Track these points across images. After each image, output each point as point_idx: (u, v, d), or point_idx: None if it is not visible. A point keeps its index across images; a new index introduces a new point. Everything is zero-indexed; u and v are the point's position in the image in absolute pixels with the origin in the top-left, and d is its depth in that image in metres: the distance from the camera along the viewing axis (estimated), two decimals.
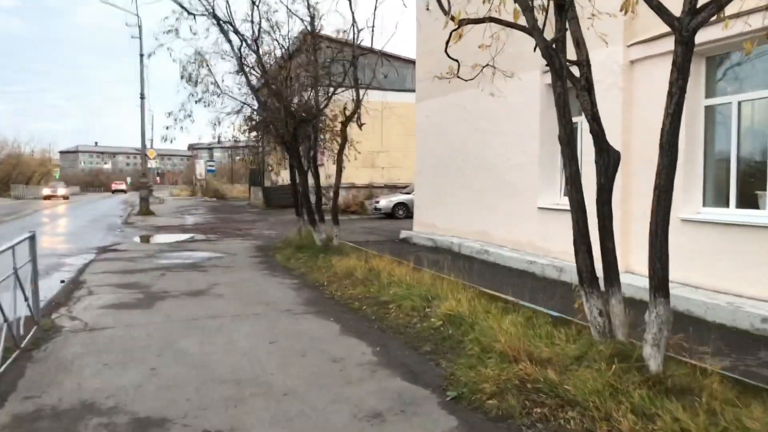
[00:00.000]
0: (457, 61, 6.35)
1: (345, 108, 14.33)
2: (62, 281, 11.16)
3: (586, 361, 4.67)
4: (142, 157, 34.34)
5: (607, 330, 4.94)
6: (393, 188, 31.89)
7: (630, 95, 9.69)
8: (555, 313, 6.79)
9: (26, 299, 6.48)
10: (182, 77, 14.22)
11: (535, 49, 5.06)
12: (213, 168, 64.99)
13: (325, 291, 9.58)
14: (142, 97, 30.72)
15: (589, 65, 4.91)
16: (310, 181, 14.05)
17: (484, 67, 6.33)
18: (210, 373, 5.55)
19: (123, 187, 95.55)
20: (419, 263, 11.06)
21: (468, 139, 14.40)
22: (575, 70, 5.00)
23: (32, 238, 6.87)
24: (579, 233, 5.02)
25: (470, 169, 14.36)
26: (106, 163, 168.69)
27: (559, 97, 4.87)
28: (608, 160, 4.82)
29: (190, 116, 14.41)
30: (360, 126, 12.23)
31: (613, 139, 5.45)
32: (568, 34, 5.09)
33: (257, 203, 39.28)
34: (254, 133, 20.08)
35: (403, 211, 27.28)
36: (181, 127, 14.75)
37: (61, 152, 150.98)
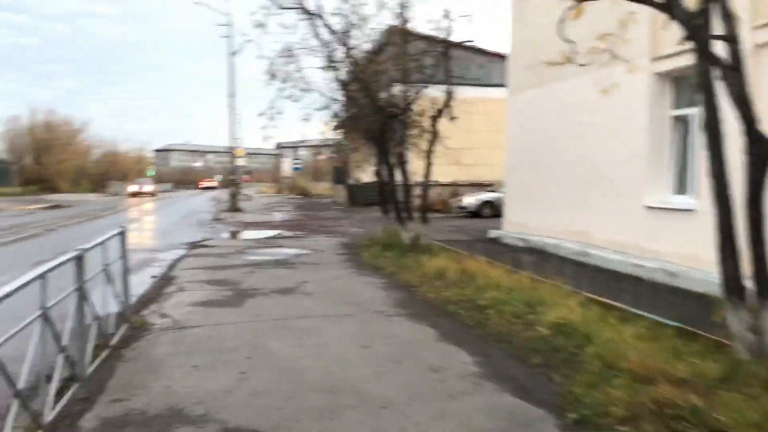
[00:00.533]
0: (572, 42, 5.73)
1: (434, 102, 13.86)
2: (153, 277, 11.23)
3: (735, 384, 3.99)
4: (231, 154, 35.02)
5: (758, 348, 4.24)
6: (478, 186, 31.10)
7: (758, 82, 8.71)
8: (679, 325, 6.05)
9: (117, 296, 6.34)
10: (269, 74, 14.11)
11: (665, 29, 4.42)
12: (299, 166, 65.89)
13: (416, 292, 9.12)
14: (231, 95, 31.30)
15: (738, 41, 4.21)
16: (394, 178, 13.65)
17: (601, 51, 5.69)
18: (301, 380, 5.20)
19: (213, 184, 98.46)
20: (514, 265, 10.44)
21: (565, 132, 13.59)
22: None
23: (122, 234, 6.75)
24: (724, 236, 4.34)
25: (567, 164, 13.54)
26: (197, 161, 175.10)
27: (705, 78, 4.20)
28: (762, 152, 4.11)
29: (279, 114, 14.28)
30: (452, 120, 11.71)
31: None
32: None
33: (341, 200, 39.38)
34: (339, 131, 19.95)
35: (489, 210, 26.49)
36: (273, 126, 14.66)
37: (156, 150, 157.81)
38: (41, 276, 3.89)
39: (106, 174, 73.00)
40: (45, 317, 3.98)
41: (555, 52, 6.74)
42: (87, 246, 5.11)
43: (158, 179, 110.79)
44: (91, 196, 53.57)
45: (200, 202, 46.23)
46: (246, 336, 6.67)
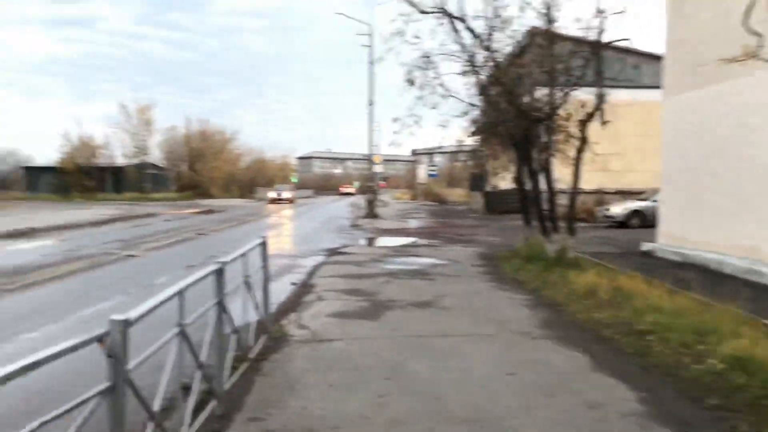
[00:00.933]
0: (759, 35, 4.92)
1: (583, 106, 13.03)
2: (293, 284, 11.33)
3: None
4: (369, 161, 35.50)
5: None
6: (626, 194, 29.26)
7: None
8: None
9: (257, 307, 6.30)
10: (408, 81, 13.92)
11: None
12: (435, 172, 65.88)
13: (564, 312, 8.44)
14: (371, 103, 31.69)
15: None
16: (538, 186, 12.92)
17: None
18: (444, 408, 4.80)
19: (351, 190, 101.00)
20: (674, 283, 9.45)
21: (732, 137, 12.23)
22: None
23: (263, 245, 6.72)
24: None
25: (734, 172, 12.17)
26: (336, 168, 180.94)
27: None
28: None
29: (417, 122, 14.08)
30: (603, 125, 10.85)
31: None
32: None
33: (477, 208, 38.71)
34: (477, 137, 19.42)
35: (639, 220, 24.82)
36: (410, 133, 14.46)
37: (299, 158, 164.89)
38: (180, 293, 3.79)
39: (254, 180, 77.07)
40: (183, 334, 3.87)
41: (721, 49, 5.90)
42: (227, 258, 5.04)
43: (300, 185, 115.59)
44: (240, 201, 56.69)
45: (339, 208, 47.38)
46: (384, 353, 6.38)
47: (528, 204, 14.90)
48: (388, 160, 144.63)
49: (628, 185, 29.59)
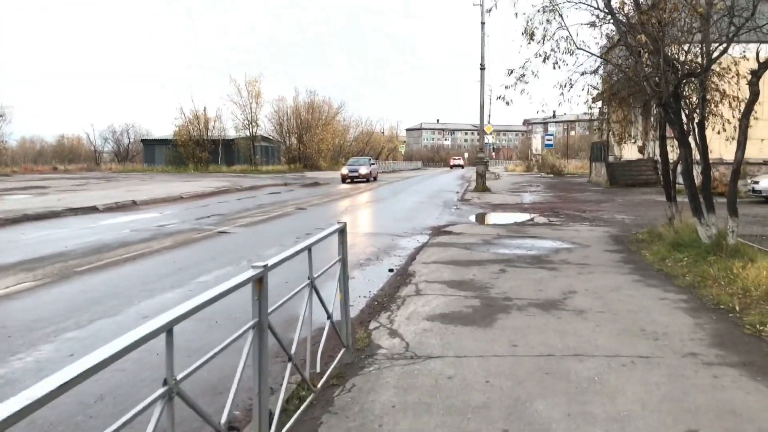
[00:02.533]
0: None
1: (744, 57, 10.58)
2: (390, 270, 9.82)
3: None
4: (480, 131, 33.37)
5: None
6: (759, 164, 25.55)
7: None
8: None
9: (329, 317, 4.76)
10: (526, 34, 11.87)
11: None
12: (551, 142, 62.35)
13: (740, 321, 6.33)
14: (482, 67, 29.47)
15: None
16: (691, 155, 10.57)
17: None
18: None
19: (460, 162, 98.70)
20: None
21: None
22: None
23: (342, 232, 5.15)
24: None
25: None
26: (446, 139, 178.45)
27: None
28: None
29: (535, 75, 12.03)
30: None
31: None
32: None
33: (599, 180, 35.65)
34: (602, 100, 17.02)
35: None
36: (522, 90, 12.41)
37: (407, 129, 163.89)
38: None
39: (362, 152, 76.52)
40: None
41: None
42: (271, 262, 3.48)
43: (408, 157, 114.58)
44: None
45: (448, 181, 45.55)
46: (500, 383, 4.68)
47: (671, 177, 12.51)
48: (499, 131, 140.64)
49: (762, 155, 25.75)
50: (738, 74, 11.52)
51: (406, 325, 6.35)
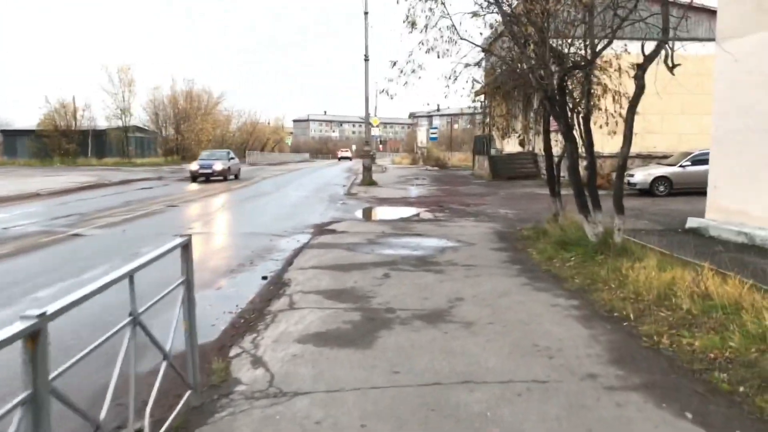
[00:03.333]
0: None
1: (625, 50, 10.50)
2: (264, 278, 8.85)
3: None
4: (366, 124, 32.76)
5: None
6: (647, 158, 26.71)
7: None
8: None
9: (165, 357, 3.76)
10: (407, 21, 11.26)
11: None
12: (435, 135, 62.97)
13: (636, 331, 5.91)
14: (366, 59, 28.80)
15: None
16: (577, 149, 10.33)
17: None
18: None
19: (348, 154, 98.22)
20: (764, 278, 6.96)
21: None
22: None
23: (186, 248, 4.16)
24: None
25: None
26: (334, 131, 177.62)
27: None
28: None
29: (420, 67, 11.46)
30: (672, 69, 8.21)
31: None
32: None
33: (482, 173, 36.11)
34: (483, 95, 16.86)
35: (665, 188, 22.28)
36: (406, 82, 11.82)
37: (294, 121, 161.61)
38: None
39: (246, 144, 74.02)
40: None
41: None
42: (52, 309, 2.46)
43: (296, 149, 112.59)
44: None
45: (335, 174, 44.72)
46: (378, 428, 3.90)
47: (556, 173, 12.34)
48: (386, 123, 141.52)
49: (650, 148, 26.92)
50: (620, 68, 11.47)
51: (273, 351, 5.44)
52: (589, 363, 5.05)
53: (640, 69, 8.61)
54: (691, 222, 12.98)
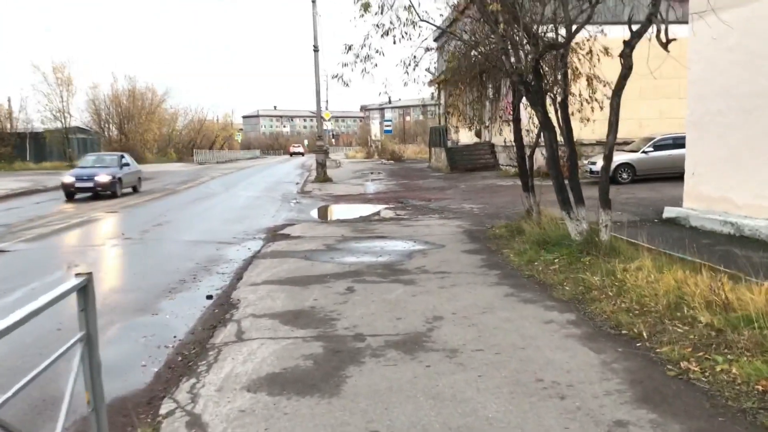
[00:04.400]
0: None
1: (601, 31, 9.68)
2: (209, 297, 7.66)
3: None
4: (318, 117, 31.49)
5: None
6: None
7: None
8: None
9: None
10: (361, 5, 10.17)
11: None
12: (390, 128, 61.88)
13: (655, 353, 4.95)
14: (316, 49, 27.51)
15: None
16: (555, 139, 9.41)
17: None
18: None
19: (300, 150, 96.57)
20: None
21: None
22: None
23: (84, 291, 2.98)
24: None
25: None
26: (285, 126, 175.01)
27: None
28: None
29: (378, 52, 10.40)
30: (666, 45, 7.31)
31: None
32: None
33: (439, 166, 35.24)
34: (441, 84, 15.93)
35: (628, 175, 21.78)
36: (364, 69, 10.74)
37: (244, 117, 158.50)
38: None
39: (194, 142, 71.58)
40: None
41: None
42: None
43: (246, 145, 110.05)
44: (176, 166, 51.63)
45: (287, 170, 43.32)
46: None
47: (527, 164, 11.42)
48: (337, 117, 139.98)
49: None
50: (591, 51, 10.63)
51: (216, 404, 4.30)
52: (611, 404, 4.07)
53: (627, 46, 7.70)
54: (669, 212, 12.25)
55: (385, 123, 62.35)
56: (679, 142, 17.88)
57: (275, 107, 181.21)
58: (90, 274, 3.14)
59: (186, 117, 71.78)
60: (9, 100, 54.57)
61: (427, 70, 11.75)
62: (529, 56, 8.15)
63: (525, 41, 8.19)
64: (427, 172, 34.39)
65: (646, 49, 8.29)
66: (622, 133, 27.18)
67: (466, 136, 37.82)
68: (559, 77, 9.25)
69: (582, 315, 6.13)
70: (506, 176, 25.96)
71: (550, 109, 9.34)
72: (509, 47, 8.57)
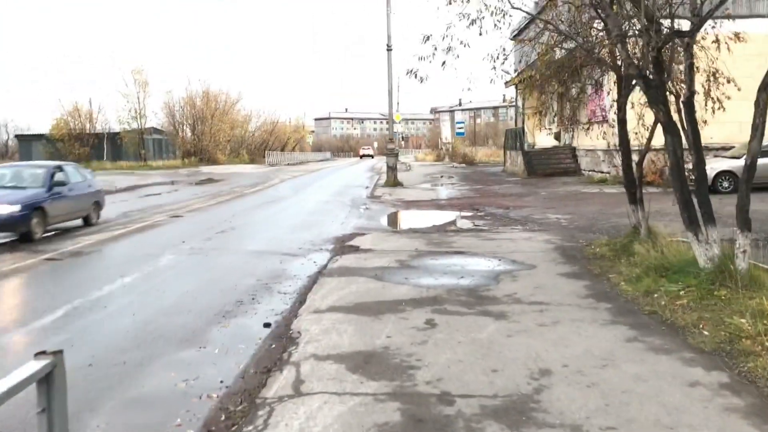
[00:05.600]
0: None
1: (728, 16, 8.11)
2: (266, 325, 6.60)
3: None
4: (389, 119, 30.44)
5: None
6: (704, 150, 24.00)
7: None
8: None
9: None
10: None
11: None
12: (462, 130, 60.27)
13: None
14: (389, 48, 26.44)
15: None
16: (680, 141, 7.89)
17: None
18: None
19: (370, 152, 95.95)
20: None
21: None
22: None
23: (46, 381, 1.89)
24: None
25: None
26: (355, 129, 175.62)
27: None
28: None
29: (462, 44, 9.19)
30: None
31: None
32: None
33: (515, 170, 33.53)
34: (515, 86, 14.50)
35: (729, 183, 19.72)
36: (444, 62, 9.53)
37: (316, 119, 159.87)
38: None
39: (266, 144, 71.98)
40: None
41: None
42: None
43: (317, 147, 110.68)
44: (248, 168, 51.63)
45: (357, 173, 42.51)
46: None
47: (632, 171, 9.91)
48: (407, 119, 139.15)
49: (707, 139, 24.15)
50: (717, 40, 9.07)
51: None
52: None
53: None
54: None
55: (458, 125, 60.74)
56: None
57: (346, 109, 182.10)
58: (59, 353, 2.06)
59: (259, 119, 72.25)
60: (90, 102, 56.16)
61: (504, 70, 10.47)
62: (650, 44, 6.70)
63: (648, 26, 6.76)
64: (501, 176, 32.78)
65: (753, 44, 6.81)
66: (718, 138, 25.00)
67: (544, 140, 36.01)
68: (681, 71, 7.74)
69: (736, 375, 4.69)
70: (590, 182, 24.19)
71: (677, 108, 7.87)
72: (627, 35, 7.16)
